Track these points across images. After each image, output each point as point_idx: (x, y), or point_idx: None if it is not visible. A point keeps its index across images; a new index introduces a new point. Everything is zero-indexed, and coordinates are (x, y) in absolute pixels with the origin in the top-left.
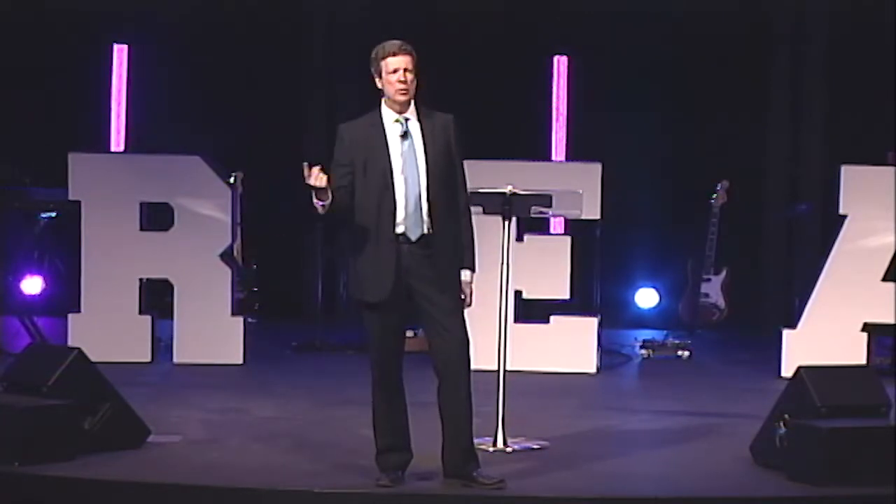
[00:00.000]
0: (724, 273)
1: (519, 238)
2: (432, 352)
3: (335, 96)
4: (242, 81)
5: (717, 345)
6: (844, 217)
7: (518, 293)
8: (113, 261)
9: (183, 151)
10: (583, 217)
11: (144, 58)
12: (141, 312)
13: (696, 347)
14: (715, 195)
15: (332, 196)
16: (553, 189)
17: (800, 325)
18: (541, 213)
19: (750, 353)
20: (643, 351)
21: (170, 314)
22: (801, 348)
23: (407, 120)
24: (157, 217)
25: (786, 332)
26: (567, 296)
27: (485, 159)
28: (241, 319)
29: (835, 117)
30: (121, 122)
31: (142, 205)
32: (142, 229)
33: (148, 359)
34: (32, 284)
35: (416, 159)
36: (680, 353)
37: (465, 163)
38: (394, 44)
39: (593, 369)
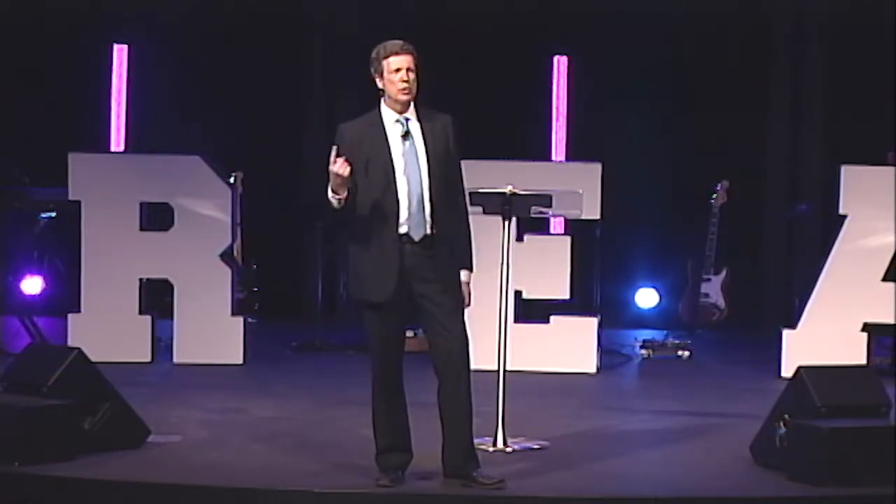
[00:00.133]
0: (724, 273)
1: (519, 238)
2: (433, 352)
3: (335, 96)
4: (242, 81)
5: (717, 345)
6: (844, 217)
7: (518, 293)
8: (113, 261)
9: (183, 151)
10: (583, 217)
11: (144, 58)
12: (141, 312)
13: (696, 347)
14: (715, 195)
15: (349, 192)
16: (553, 189)
17: (800, 325)
18: (541, 213)
19: (750, 353)
20: (643, 351)
21: (170, 314)
22: (801, 348)
23: (407, 120)
24: (157, 217)
25: (786, 332)
26: (567, 296)
27: (485, 159)
28: (241, 319)
29: (835, 117)
30: (121, 122)
31: (142, 205)
32: (142, 229)
33: (148, 359)
34: (32, 284)
35: (417, 159)
36: (680, 353)
37: (466, 163)
38: (395, 43)
39: (593, 369)
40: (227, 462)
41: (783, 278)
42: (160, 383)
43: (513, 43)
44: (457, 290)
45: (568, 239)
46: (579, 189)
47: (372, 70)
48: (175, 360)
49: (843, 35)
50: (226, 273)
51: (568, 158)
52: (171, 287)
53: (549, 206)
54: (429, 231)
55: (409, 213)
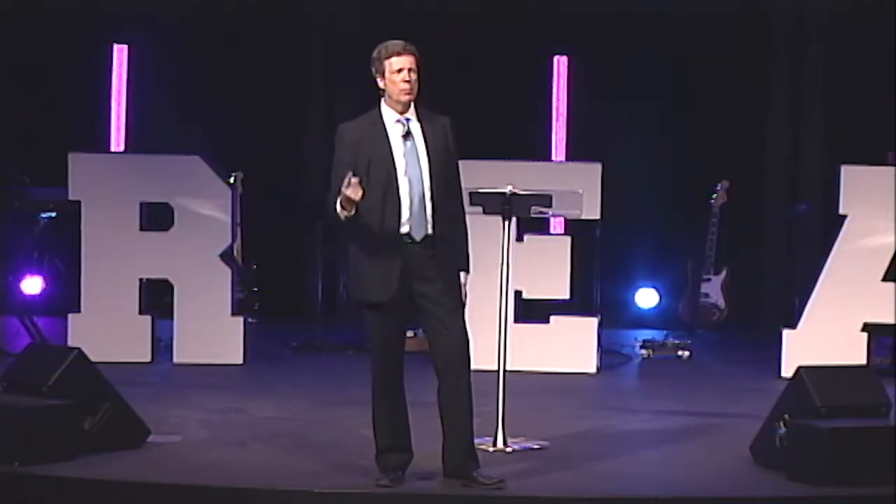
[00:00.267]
0: (724, 273)
1: (519, 238)
2: (433, 351)
3: (335, 96)
4: (242, 81)
5: (717, 345)
6: (844, 217)
7: (518, 293)
8: (113, 261)
9: (183, 151)
10: (583, 217)
11: (144, 58)
12: (141, 312)
13: (696, 347)
14: (715, 195)
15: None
16: (553, 189)
17: (800, 325)
18: (541, 213)
19: (750, 353)
20: (643, 351)
21: (170, 314)
22: (801, 348)
23: (408, 120)
24: (157, 217)
25: (786, 332)
26: (567, 296)
27: (485, 159)
28: (241, 319)
29: (835, 117)
30: (121, 122)
31: (142, 205)
32: (142, 229)
33: (148, 359)
34: (32, 284)
35: (418, 160)
36: (680, 353)
37: (465, 163)
38: (397, 43)
39: (593, 369)
40: (227, 462)
41: (783, 278)
42: (160, 383)
43: (513, 43)
44: (457, 290)
45: (568, 239)
46: (579, 189)
47: (373, 70)
48: (175, 360)
49: (843, 35)
50: (226, 273)
51: (568, 158)
52: (171, 287)
53: (549, 206)
54: (430, 231)
55: (411, 213)
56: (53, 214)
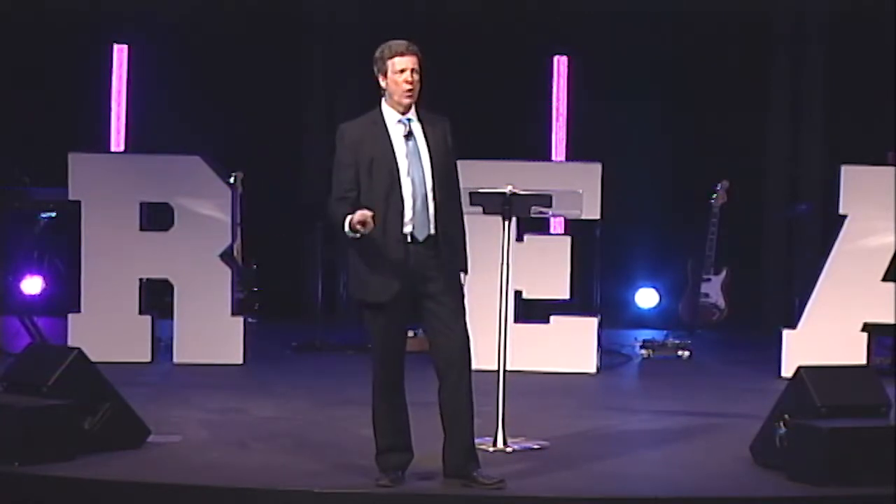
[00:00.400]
0: (724, 273)
1: (519, 238)
2: (434, 351)
3: (335, 96)
4: (242, 81)
5: (717, 345)
6: (844, 217)
7: (518, 293)
8: (113, 261)
9: (183, 151)
10: (583, 217)
11: (144, 58)
12: (141, 312)
13: (696, 347)
14: (715, 195)
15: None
16: (553, 189)
17: (800, 325)
18: (541, 213)
19: (750, 353)
20: (643, 351)
21: (170, 314)
22: (801, 348)
23: (409, 121)
24: (157, 217)
25: (786, 332)
26: (567, 296)
27: (485, 159)
28: (241, 319)
29: (835, 117)
30: (121, 122)
31: (142, 205)
32: (142, 229)
33: (148, 359)
34: (32, 284)
35: (420, 160)
36: (680, 353)
37: (465, 163)
38: (400, 44)
39: (593, 369)
40: (227, 462)
41: (783, 278)
42: (160, 383)
43: (513, 43)
44: (458, 290)
45: (568, 239)
46: (579, 189)
47: (375, 69)
48: (175, 360)
49: (843, 35)
50: (226, 273)
51: (568, 158)
52: (171, 287)
53: (549, 206)
54: (432, 231)
55: (414, 213)
56: (53, 214)
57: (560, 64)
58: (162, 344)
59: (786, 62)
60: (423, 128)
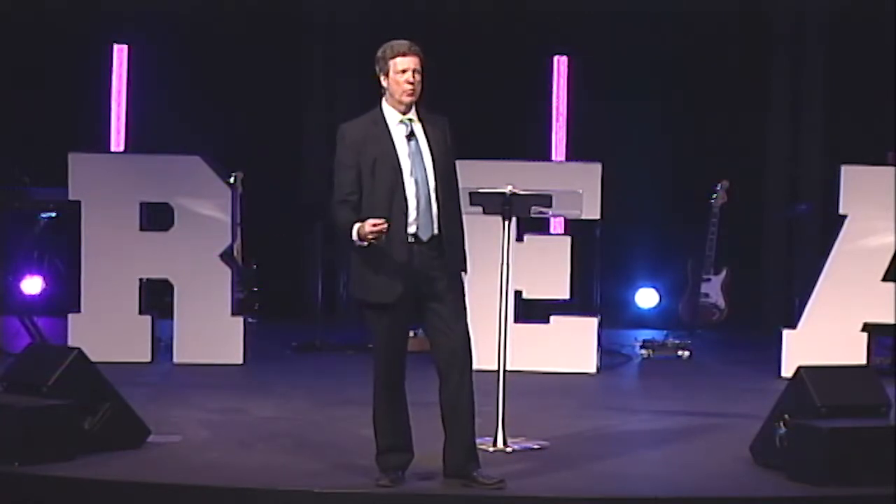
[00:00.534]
0: (724, 273)
1: (519, 238)
2: (436, 350)
3: (335, 96)
4: (242, 81)
5: (717, 345)
6: (844, 217)
7: (518, 293)
8: (113, 261)
9: (183, 151)
10: (583, 217)
11: (144, 58)
12: (141, 312)
13: (696, 347)
14: (715, 195)
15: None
16: (553, 189)
17: (800, 325)
18: (541, 213)
19: (750, 353)
20: (643, 351)
21: (170, 314)
22: (801, 348)
23: (411, 121)
24: (157, 217)
25: (786, 332)
26: (567, 296)
27: (485, 159)
28: (241, 319)
29: (835, 117)
30: (121, 122)
31: (142, 205)
32: (142, 229)
33: (148, 359)
34: (32, 284)
35: (422, 160)
36: (680, 353)
37: (465, 163)
38: (403, 44)
39: (593, 369)
40: (227, 462)
41: (783, 278)
42: (160, 383)
43: (513, 43)
44: (460, 290)
45: (568, 239)
46: (579, 189)
47: (377, 69)
48: (175, 360)
49: (843, 35)
50: (226, 273)
51: (568, 158)
52: (171, 287)
53: (549, 206)
54: (436, 231)
55: (418, 214)
56: (53, 214)
57: (560, 64)
58: (162, 344)
59: (786, 62)
60: (423, 128)
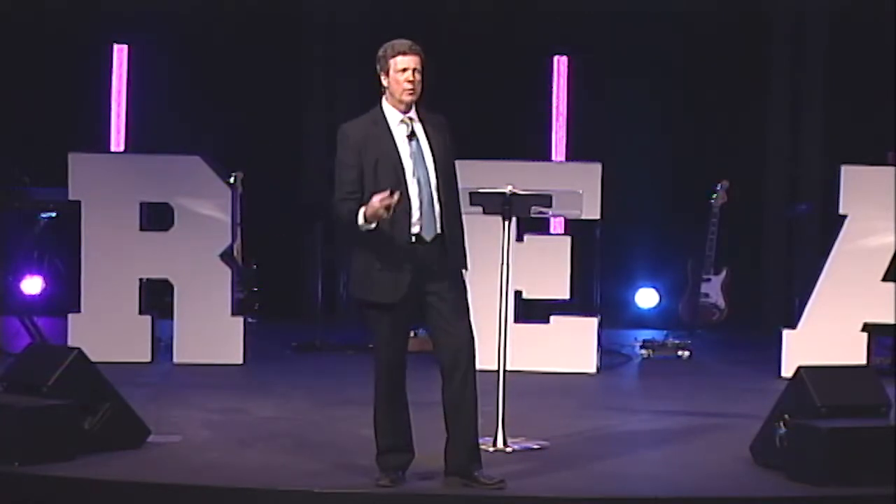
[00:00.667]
0: (724, 273)
1: (519, 238)
2: (438, 350)
3: (335, 96)
4: (242, 81)
5: (717, 345)
6: (844, 217)
7: (518, 293)
8: (113, 261)
9: (183, 151)
10: (583, 217)
11: (144, 58)
12: (141, 312)
13: (696, 347)
14: (715, 195)
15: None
16: (553, 189)
17: (800, 325)
18: (541, 213)
19: (750, 353)
20: (643, 351)
21: (170, 314)
22: (801, 348)
23: (411, 120)
24: (157, 217)
25: (786, 332)
26: (567, 296)
27: (485, 159)
28: (241, 319)
29: (835, 117)
30: (121, 122)
31: (142, 205)
32: (142, 229)
33: (148, 359)
34: (32, 284)
35: (424, 160)
36: (680, 353)
37: (465, 163)
38: (403, 43)
39: (593, 369)
40: (227, 462)
41: (783, 278)
42: (160, 383)
43: (513, 43)
44: (462, 289)
45: (568, 239)
46: (579, 189)
47: (378, 68)
48: (175, 360)
49: (843, 35)
50: (226, 273)
51: (568, 158)
52: (171, 287)
53: (549, 206)
54: (439, 230)
55: (421, 214)
56: (53, 214)
57: (560, 64)
58: (162, 344)
59: (786, 62)
60: (424, 128)
